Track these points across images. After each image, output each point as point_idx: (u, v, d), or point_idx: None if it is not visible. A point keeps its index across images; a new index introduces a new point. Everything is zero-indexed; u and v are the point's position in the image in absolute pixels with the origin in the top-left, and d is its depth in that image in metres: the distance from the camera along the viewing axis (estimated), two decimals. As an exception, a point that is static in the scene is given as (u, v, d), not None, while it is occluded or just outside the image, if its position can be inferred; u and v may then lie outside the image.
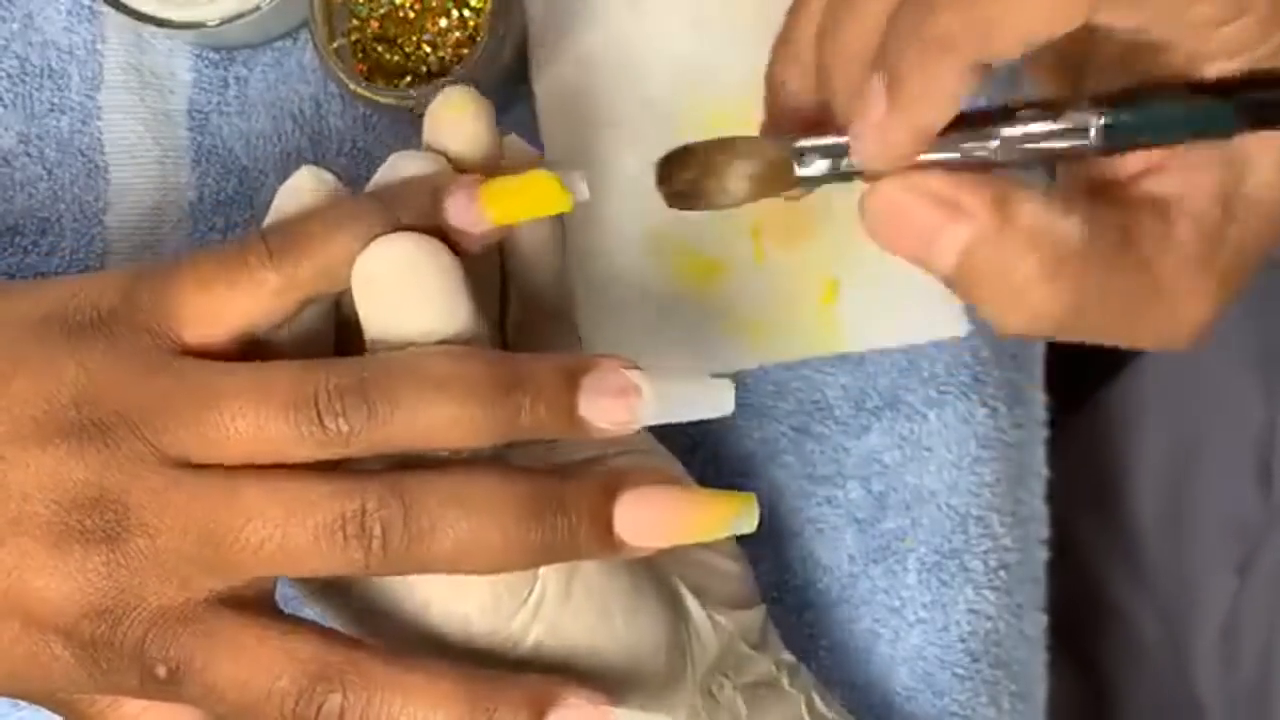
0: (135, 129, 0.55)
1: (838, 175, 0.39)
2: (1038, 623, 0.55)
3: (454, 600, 0.40)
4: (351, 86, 0.51)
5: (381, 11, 0.53)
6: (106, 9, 0.54)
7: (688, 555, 0.47)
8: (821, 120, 0.42)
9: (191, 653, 0.38)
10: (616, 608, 0.42)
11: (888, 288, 0.52)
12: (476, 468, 0.39)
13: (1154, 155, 0.39)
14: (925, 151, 0.38)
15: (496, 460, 0.40)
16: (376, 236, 0.40)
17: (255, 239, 0.40)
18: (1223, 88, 0.38)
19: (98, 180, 0.55)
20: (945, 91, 0.37)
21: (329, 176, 0.42)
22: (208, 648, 0.39)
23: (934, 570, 0.53)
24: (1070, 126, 0.38)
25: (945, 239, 0.38)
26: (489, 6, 0.51)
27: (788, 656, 0.49)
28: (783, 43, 0.44)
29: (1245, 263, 0.39)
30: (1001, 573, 0.53)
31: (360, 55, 0.52)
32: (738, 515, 0.40)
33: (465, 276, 0.40)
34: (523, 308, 0.47)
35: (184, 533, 0.38)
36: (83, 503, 0.39)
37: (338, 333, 0.43)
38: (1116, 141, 0.38)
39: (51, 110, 0.55)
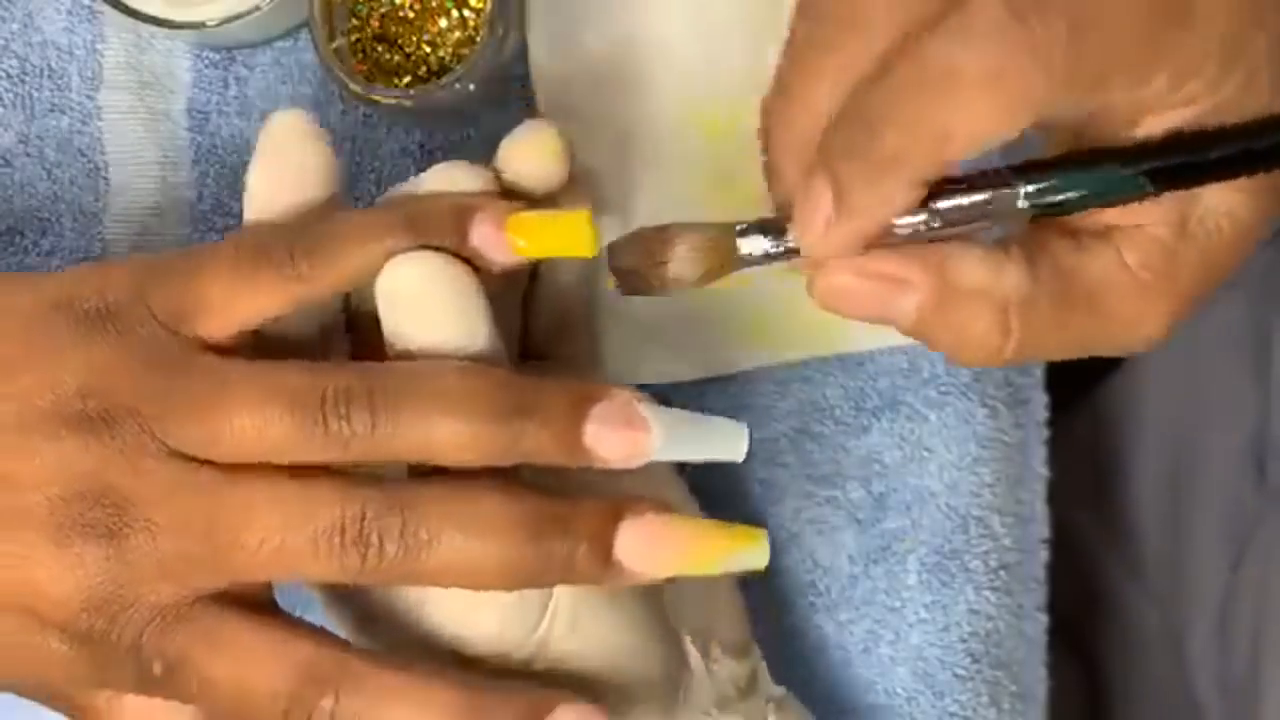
0: (135, 129, 0.55)
1: (782, 254, 0.40)
2: (1038, 623, 0.55)
3: (464, 627, 0.40)
4: (351, 86, 0.51)
5: (381, 11, 0.52)
6: (106, 9, 0.53)
7: (697, 593, 0.46)
8: None
9: (188, 651, 0.39)
10: (622, 644, 0.42)
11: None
12: (481, 482, 0.39)
13: None
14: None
15: (503, 475, 0.39)
16: (398, 253, 0.40)
17: (277, 237, 0.40)
18: (1135, 153, 0.38)
19: (97, 180, 0.55)
20: (894, 207, 0.38)
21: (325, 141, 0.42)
22: (204, 646, 0.39)
23: (934, 571, 0.53)
24: (998, 198, 0.38)
25: (897, 308, 0.39)
26: (489, 6, 0.51)
27: (776, 690, 0.49)
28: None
29: (1204, 280, 0.40)
30: (1002, 573, 0.53)
31: (360, 55, 0.52)
32: (743, 551, 0.39)
33: (484, 296, 0.40)
34: (545, 324, 0.47)
35: (184, 530, 0.38)
36: (86, 496, 0.38)
37: (360, 320, 0.43)
38: (1042, 211, 0.39)
39: (51, 110, 0.55)
